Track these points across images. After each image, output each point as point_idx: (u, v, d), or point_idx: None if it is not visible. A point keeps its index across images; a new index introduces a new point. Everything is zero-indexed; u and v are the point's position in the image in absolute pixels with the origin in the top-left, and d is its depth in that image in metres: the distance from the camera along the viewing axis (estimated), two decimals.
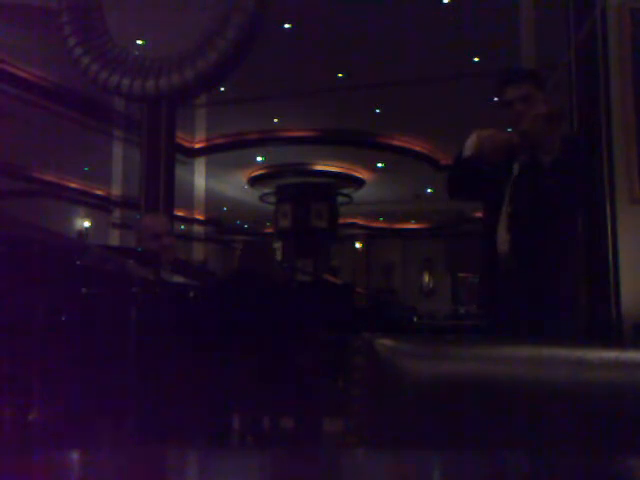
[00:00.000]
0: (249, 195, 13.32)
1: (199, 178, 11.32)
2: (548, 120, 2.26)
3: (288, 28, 6.97)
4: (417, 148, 10.86)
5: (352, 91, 8.27)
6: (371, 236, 17.45)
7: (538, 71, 2.99)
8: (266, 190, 12.70)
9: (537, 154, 2.32)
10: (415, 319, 8.25)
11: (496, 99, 2.48)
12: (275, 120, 9.91)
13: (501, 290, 2.42)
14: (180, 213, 12.25)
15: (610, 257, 3.24)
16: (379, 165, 11.69)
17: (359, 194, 12.88)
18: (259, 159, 11.45)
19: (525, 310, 2.34)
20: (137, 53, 6.17)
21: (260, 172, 12.03)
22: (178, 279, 3.12)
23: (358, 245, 17.39)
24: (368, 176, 12.22)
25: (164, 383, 2.64)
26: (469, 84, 7.54)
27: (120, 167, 9.38)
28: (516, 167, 2.42)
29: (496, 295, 2.46)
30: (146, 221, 3.59)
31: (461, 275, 16.06)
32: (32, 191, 10.90)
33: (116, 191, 10.36)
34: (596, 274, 3.28)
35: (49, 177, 11.62)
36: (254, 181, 12.36)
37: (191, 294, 3.01)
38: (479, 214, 2.62)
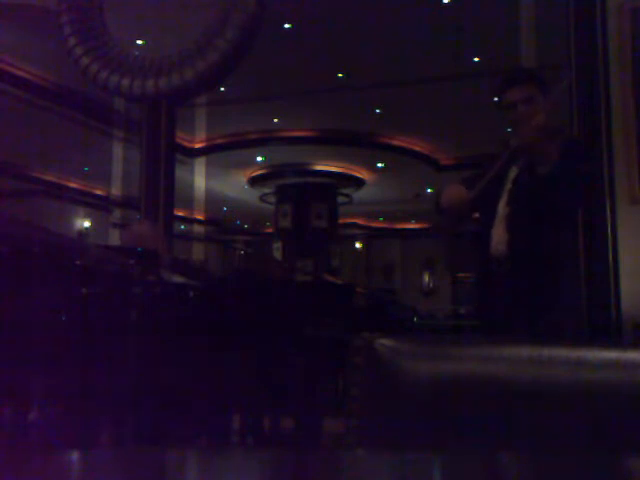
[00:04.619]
0: (249, 195, 13.32)
1: (199, 178, 11.32)
2: (545, 133, 2.24)
3: (288, 28, 6.97)
4: (417, 148, 10.86)
5: (352, 91, 8.27)
6: (371, 236, 17.45)
7: (540, 73, 2.98)
8: (266, 190, 12.70)
9: (534, 163, 2.31)
10: (415, 319, 8.25)
11: (496, 99, 2.47)
12: (275, 120, 9.91)
13: (497, 290, 2.42)
14: (180, 213, 12.25)
15: (610, 257, 3.24)
16: (379, 165, 11.70)
17: (359, 194, 12.88)
18: (259, 159, 11.45)
19: (522, 310, 2.33)
20: (137, 53, 6.17)
21: (260, 172, 12.03)
22: (178, 279, 3.12)
23: (358, 245, 17.39)
24: (368, 176, 12.22)
25: (164, 382, 2.64)
26: (469, 84, 7.55)
27: (120, 167, 9.38)
28: (514, 169, 2.42)
29: (492, 295, 2.45)
30: (131, 232, 3.57)
31: (461, 275, 16.07)
32: (32, 191, 10.90)
33: (116, 191, 10.36)
34: (596, 274, 3.28)
35: (49, 177, 11.62)
36: (254, 181, 12.36)
37: (191, 294, 3.01)
38: (477, 214, 2.61)
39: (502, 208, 2.41)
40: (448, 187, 2.51)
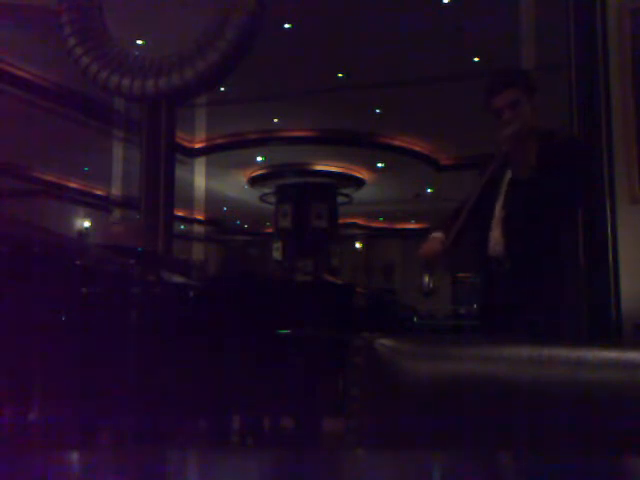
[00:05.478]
0: (249, 195, 13.32)
1: (199, 178, 11.32)
2: (521, 138, 2.28)
3: (288, 28, 6.97)
4: (417, 148, 10.86)
5: (352, 91, 8.27)
6: (371, 236, 17.45)
7: (526, 73, 2.97)
8: (266, 190, 12.70)
9: (515, 170, 2.36)
10: (415, 319, 8.24)
11: (483, 104, 2.46)
12: (275, 120, 9.91)
13: (497, 290, 2.42)
14: (180, 213, 12.24)
15: (610, 257, 3.23)
16: (379, 165, 11.70)
17: (359, 194, 12.88)
18: (259, 159, 11.45)
19: (522, 311, 2.33)
20: (137, 53, 6.16)
21: (260, 172, 12.03)
22: (178, 279, 3.13)
23: (358, 245, 17.39)
24: (368, 176, 12.22)
25: (163, 382, 2.64)
26: (469, 84, 7.54)
27: (120, 167, 9.38)
28: (509, 172, 2.42)
29: (492, 295, 2.46)
30: (112, 231, 3.60)
31: (461, 275, 16.07)
32: (32, 191, 10.90)
33: (116, 191, 10.36)
34: (596, 274, 3.28)
35: (49, 177, 11.62)
36: (254, 181, 12.36)
37: (190, 294, 3.01)
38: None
39: (498, 211, 2.41)
40: (427, 240, 2.56)
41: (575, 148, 2.56)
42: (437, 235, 2.53)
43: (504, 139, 2.28)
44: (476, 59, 7.48)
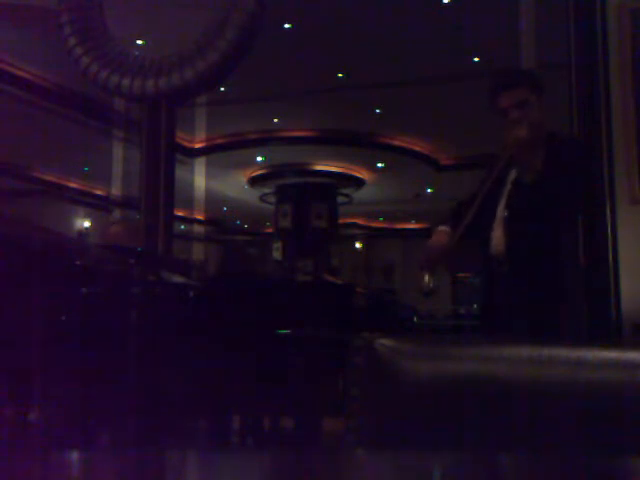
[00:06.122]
0: (249, 195, 13.31)
1: (199, 178, 11.32)
2: (528, 143, 2.25)
3: (288, 28, 6.97)
4: (417, 148, 10.86)
5: (352, 91, 8.27)
6: (371, 236, 17.45)
7: (533, 72, 2.96)
8: (266, 190, 12.70)
9: (521, 173, 2.35)
10: (415, 319, 8.24)
11: (488, 104, 2.44)
12: (275, 120, 9.91)
13: (498, 290, 2.42)
14: (180, 213, 12.24)
15: (610, 257, 3.23)
16: (379, 165, 11.69)
17: (359, 194, 12.87)
18: (259, 159, 11.45)
19: (522, 311, 2.34)
20: (137, 53, 6.16)
21: (260, 172, 12.03)
22: (178, 279, 3.13)
23: (358, 245, 17.38)
24: (368, 176, 12.22)
25: (163, 382, 2.64)
26: (469, 84, 7.54)
27: (120, 167, 9.37)
28: (514, 172, 2.41)
29: (493, 295, 2.46)
30: (110, 232, 3.59)
31: (461, 275, 16.07)
32: (32, 191, 10.90)
33: (116, 191, 10.36)
34: (596, 274, 3.28)
35: (49, 177, 11.62)
36: (254, 181, 12.36)
37: (190, 294, 3.01)
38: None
39: (501, 211, 2.41)
40: (434, 233, 2.54)
41: (576, 149, 2.55)
42: (444, 228, 2.50)
43: (513, 143, 2.26)
44: (476, 59, 7.48)
